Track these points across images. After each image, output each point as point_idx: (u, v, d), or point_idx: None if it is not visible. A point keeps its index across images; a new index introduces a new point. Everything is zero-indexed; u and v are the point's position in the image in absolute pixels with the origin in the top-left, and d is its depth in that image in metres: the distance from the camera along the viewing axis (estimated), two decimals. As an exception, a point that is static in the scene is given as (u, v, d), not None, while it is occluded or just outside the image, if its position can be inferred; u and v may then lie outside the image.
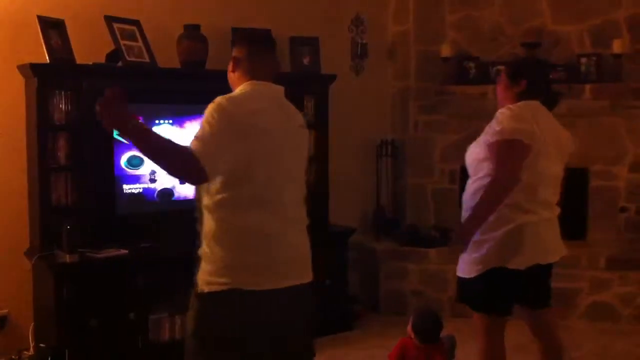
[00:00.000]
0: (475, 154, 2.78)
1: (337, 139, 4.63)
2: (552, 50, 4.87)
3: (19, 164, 3.67)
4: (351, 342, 4.22)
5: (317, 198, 4.50)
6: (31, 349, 3.58)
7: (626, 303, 4.57)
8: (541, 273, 2.81)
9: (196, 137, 2.05)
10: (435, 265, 4.76)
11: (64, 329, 3.39)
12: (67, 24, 3.60)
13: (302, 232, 2.30)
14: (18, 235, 3.68)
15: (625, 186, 4.85)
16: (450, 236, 4.89)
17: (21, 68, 3.56)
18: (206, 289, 2.13)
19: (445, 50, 4.91)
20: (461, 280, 2.82)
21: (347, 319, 4.43)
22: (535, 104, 2.79)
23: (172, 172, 2.13)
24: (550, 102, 2.86)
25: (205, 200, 2.17)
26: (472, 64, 4.94)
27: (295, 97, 4.34)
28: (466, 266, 2.78)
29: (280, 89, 2.28)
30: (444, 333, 3.40)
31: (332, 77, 4.48)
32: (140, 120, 2.14)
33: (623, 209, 4.84)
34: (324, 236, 4.42)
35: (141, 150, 2.10)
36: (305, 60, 4.50)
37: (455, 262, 4.72)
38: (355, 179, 5.02)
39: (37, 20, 3.50)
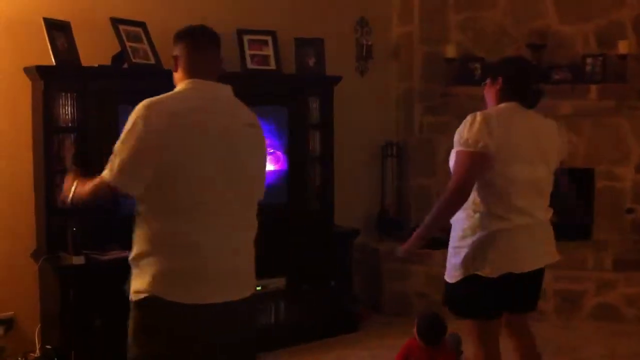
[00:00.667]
0: (451, 159, 2.76)
1: (342, 140, 4.63)
2: (557, 51, 4.86)
3: (24, 166, 3.68)
4: (354, 343, 4.21)
5: (321, 199, 4.52)
6: (37, 350, 3.59)
7: (632, 304, 4.56)
8: (522, 280, 2.70)
9: (111, 161, 2.04)
10: (438, 267, 4.68)
11: (69, 330, 3.40)
12: (73, 26, 3.61)
13: (244, 243, 2.17)
14: (24, 238, 3.68)
15: (631, 187, 4.84)
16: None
17: (27, 70, 3.57)
18: (134, 298, 2.09)
19: (450, 51, 4.90)
20: (445, 285, 2.80)
21: (350, 320, 4.43)
22: (509, 106, 2.71)
23: (94, 203, 2.22)
24: (530, 101, 2.76)
25: (136, 205, 2.10)
26: (477, 65, 4.94)
27: (300, 98, 4.43)
28: (449, 271, 2.75)
29: (223, 87, 2.19)
30: (449, 331, 3.41)
31: (337, 78, 4.48)
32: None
33: (629, 210, 4.83)
34: (328, 237, 4.43)
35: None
36: (310, 62, 4.50)
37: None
38: (360, 180, 5.02)
39: (43, 23, 3.51)
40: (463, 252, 2.67)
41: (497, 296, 2.70)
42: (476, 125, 2.60)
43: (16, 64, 3.59)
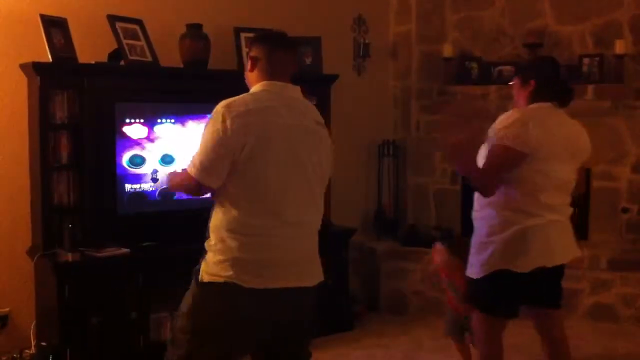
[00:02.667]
0: (481, 156, 2.77)
1: (339, 139, 4.62)
2: (554, 51, 4.86)
3: (21, 163, 3.67)
4: (351, 341, 4.22)
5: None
6: (32, 347, 3.58)
7: (627, 304, 4.57)
8: (549, 275, 2.78)
9: (194, 158, 2.23)
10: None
11: (65, 327, 3.39)
12: (70, 22, 3.60)
13: (308, 236, 2.32)
14: (20, 234, 3.68)
15: (627, 187, 4.85)
16: (452, 235, 4.90)
17: (23, 67, 3.56)
18: (206, 279, 2.22)
19: (447, 51, 4.91)
20: (469, 281, 2.84)
21: (347, 319, 4.43)
22: (544, 106, 2.77)
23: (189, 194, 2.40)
24: (563, 100, 2.83)
25: (217, 193, 2.25)
26: (474, 64, 4.95)
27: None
28: (473, 267, 2.79)
29: (294, 88, 2.34)
30: None
31: (334, 77, 4.48)
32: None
33: (625, 210, 4.83)
34: (325, 236, 4.41)
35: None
36: (307, 60, 4.50)
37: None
38: (357, 179, 5.02)
39: (39, 19, 3.50)
40: (491, 248, 2.70)
41: (523, 292, 2.75)
42: (515, 122, 2.66)
43: (12, 61, 3.58)
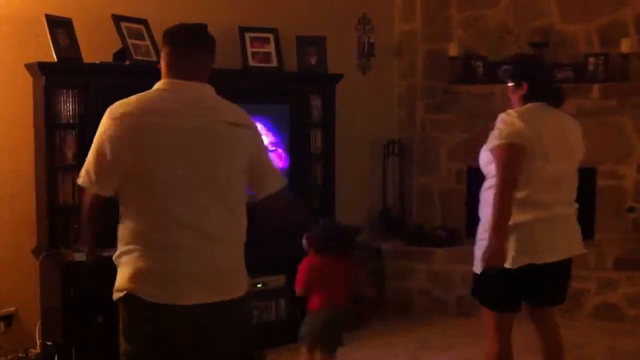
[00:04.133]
0: (481, 159, 2.87)
1: (344, 138, 4.63)
2: (559, 50, 4.85)
3: (26, 163, 3.68)
4: (357, 340, 4.21)
5: (323, 197, 4.52)
6: (38, 346, 3.59)
7: (633, 303, 4.55)
8: (544, 272, 2.79)
9: (85, 165, 2.13)
10: (441, 265, 4.75)
11: (70, 327, 3.40)
12: (75, 22, 3.61)
13: (225, 246, 2.12)
14: (25, 234, 3.69)
15: (633, 186, 4.83)
16: (456, 236, 4.89)
17: (29, 67, 3.57)
18: (114, 297, 2.14)
19: (453, 49, 4.90)
20: (474, 275, 2.90)
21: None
22: (538, 105, 2.83)
23: (91, 218, 2.29)
24: (555, 100, 2.89)
25: (119, 205, 2.13)
26: (479, 63, 4.93)
27: (302, 96, 4.42)
28: (475, 262, 2.85)
29: (200, 87, 2.15)
30: None
31: (339, 76, 4.47)
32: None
33: (631, 209, 4.82)
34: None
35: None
36: (312, 60, 4.50)
37: (460, 261, 4.77)
38: (362, 178, 5.01)
39: (44, 19, 3.50)
40: (485, 245, 2.74)
41: (517, 287, 2.79)
42: (508, 122, 2.72)
43: (18, 60, 3.59)
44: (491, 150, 2.75)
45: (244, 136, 2.17)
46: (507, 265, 2.71)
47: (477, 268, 2.83)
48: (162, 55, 2.18)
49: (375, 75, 5.05)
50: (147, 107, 2.08)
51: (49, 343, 3.46)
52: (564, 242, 2.85)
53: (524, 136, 2.69)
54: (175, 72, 2.14)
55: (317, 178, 4.52)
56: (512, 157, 2.70)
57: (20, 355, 3.52)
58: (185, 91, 2.13)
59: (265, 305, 4.01)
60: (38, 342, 3.62)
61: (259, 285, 3.96)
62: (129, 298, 2.07)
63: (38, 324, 3.67)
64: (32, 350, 3.57)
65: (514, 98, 2.90)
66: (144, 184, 2.04)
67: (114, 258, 2.15)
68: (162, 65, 2.18)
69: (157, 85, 2.15)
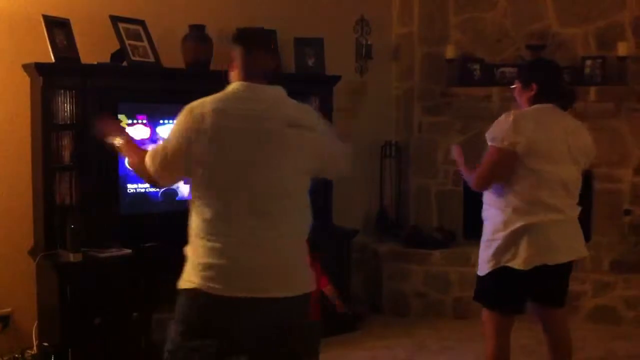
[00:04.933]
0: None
1: (341, 140, 4.62)
2: (556, 53, 4.86)
3: (23, 163, 3.68)
4: (353, 343, 4.21)
5: (320, 199, 4.51)
6: (34, 348, 3.58)
7: (630, 306, 4.56)
8: (552, 274, 2.80)
9: (155, 150, 2.24)
10: (438, 267, 4.75)
11: (67, 328, 3.39)
12: (73, 23, 3.61)
13: (284, 244, 2.18)
14: (22, 234, 3.68)
15: (630, 189, 4.84)
16: (453, 238, 4.90)
17: (26, 67, 3.56)
18: (181, 285, 2.19)
19: (450, 52, 4.90)
20: (477, 278, 2.89)
21: (349, 320, 4.42)
22: (545, 107, 2.83)
23: (141, 178, 2.49)
24: (565, 102, 2.89)
25: (189, 198, 2.24)
26: (476, 66, 4.94)
27: (299, 97, 4.40)
28: (480, 264, 2.85)
29: (268, 89, 2.23)
30: None
31: (337, 78, 4.48)
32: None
33: (627, 212, 4.83)
34: (328, 237, 4.42)
35: (129, 158, 2.46)
36: (310, 61, 4.50)
37: (457, 263, 4.77)
38: (359, 180, 5.01)
39: (42, 20, 3.50)
40: (495, 245, 2.77)
41: (525, 289, 2.81)
42: (507, 123, 2.73)
43: (15, 61, 3.58)
44: (488, 147, 2.80)
45: (306, 137, 2.23)
46: (520, 266, 2.72)
47: (482, 270, 2.82)
48: (233, 56, 2.28)
49: (373, 77, 5.06)
50: (223, 108, 2.15)
51: (45, 344, 3.46)
52: (573, 244, 2.88)
53: (522, 142, 2.70)
54: (246, 74, 2.24)
55: (314, 179, 4.50)
56: (499, 162, 2.74)
57: (16, 356, 3.51)
58: (253, 93, 2.21)
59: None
60: (35, 343, 3.61)
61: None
62: (194, 291, 2.13)
63: (35, 325, 3.66)
64: (29, 351, 3.56)
65: (522, 99, 2.90)
66: (212, 180, 2.12)
67: (184, 250, 2.23)
68: (235, 67, 2.27)
69: (232, 87, 2.24)
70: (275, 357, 2.22)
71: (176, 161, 2.16)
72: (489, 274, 2.79)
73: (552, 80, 2.90)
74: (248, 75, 2.23)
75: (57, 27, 3.56)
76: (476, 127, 4.94)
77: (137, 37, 3.81)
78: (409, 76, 5.15)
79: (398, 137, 5.16)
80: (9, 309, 3.68)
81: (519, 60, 4.86)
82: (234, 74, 2.29)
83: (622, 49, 4.65)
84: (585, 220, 4.88)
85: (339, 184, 4.60)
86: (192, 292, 2.14)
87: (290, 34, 4.43)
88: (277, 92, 2.26)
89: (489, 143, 2.77)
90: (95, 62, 3.66)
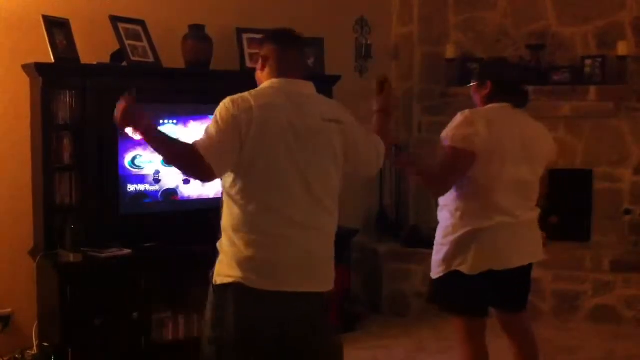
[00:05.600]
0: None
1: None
2: (556, 52, 4.87)
3: (23, 163, 3.68)
4: (353, 343, 4.20)
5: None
6: (35, 348, 3.58)
7: (630, 306, 4.56)
8: (505, 278, 2.72)
9: (202, 136, 2.14)
10: (438, 267, 4.75)
11: (67, 328, 3.39)
12: (72, 23, 3.61)
13: (317, 239, 2.24)
14: (22, 235, 3.68)
15: (630, 188, 4.84)
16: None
17: (26, 67, 3.56)
18: (218, 281, 2.18)
19: (450, 52, 4.91)
20: (430, 281, 2.86)
21: (349, 320, 4.43)
22: (497, 106, 2.75)
23: (182, 170, 2.28)
24: (519, 101, 2.79)
25: (224, 193, 2.23)
26: (476, 66, 4.92)
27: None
28: (432, 267, 2.80)
29: (304, 84, 2.29)
30: None
31: (337, 78, 4.48)
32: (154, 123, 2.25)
33: (627, 212, 4.83)
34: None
35: (155, 149, 2.23)
36: (310, 61, 4.49)
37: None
38: (359, 180, 5.01)
39: (42, 20, 3.50)
40: (445, 249, 2.72)
41: (479, 293, 2.73)
42: (463, 122, 2.67)
43: (15, 61, 3.58)
44: (441, 146, 2.71)
45: (341, 132, 2.26)
46: (466, 271, 2.66)
47: (435, 273, 2.77)
48: (267, 56, 2.30)
49: (373, 77, 5.04)
50: (265, 103, 2.17)
51: (45, 344, 3.46)
52: (525, 248, 2.78)
53: (477, 141, 2.62)
54: (281, 71, 2.27)
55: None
56: (455, 162, 2.65)
57: (17, 356, 3.52)
58: (290, 88, 2.25)
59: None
60: (35, 343, 3.60)
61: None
62: (234, 286, 2.13)
63: (35, 325, 3.66)
64: (29, 352, 3.56)
65: (477, 97, 2.84)
66: (252, 174, 2.13)
67: (218, 244, 2.22)
68: (268, 64, 2.29)
69: (270, 84, 2.26)
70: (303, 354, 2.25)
71: (229, 151, 2.11)
72: (440, 277, 2.74)
73: (506, 78, 2.83)
74: (284, 72, 2.26)
75: (57, 27, 3.56)
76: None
77: (137, 37, 3.81)
78: (409, 76, 5.15)
79: (398, 138, 5.15)
80: (9, 309, 3.68)
81: (519, 60, 4.87)
82: (264, 74, 2.31)
83: (622, 48, 4.66)
84: (585, 220, 4.94)
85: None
86: (231, 287, 2.14)
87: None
88: (312, 87, 2.31)
89: (445, 143, 2.68)
90: (95, 62, 3.66)
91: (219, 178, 2.17)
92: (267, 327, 2.16)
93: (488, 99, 2.79)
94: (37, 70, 3.46)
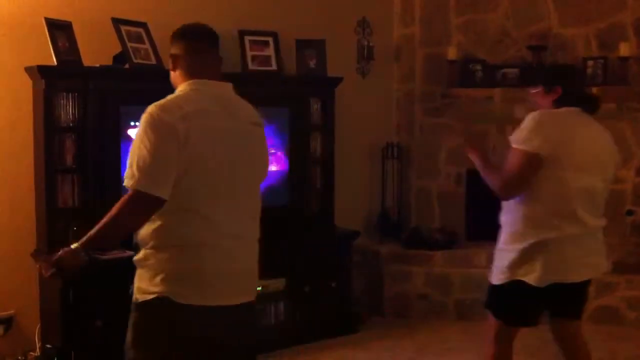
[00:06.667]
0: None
1: (343, 142, 4.63)
2: (558, 54, 4.86)
3: (25, 166, 3.68)
4: (355, 344, 4.21)
5: (322, 200, 4.52)
6: (37, 349, 3.59)
7: (632, 307, 4.55)
8: (568, 289, 2.69)
9: (138, 168, 1.95)
10: (439, 268, 4.75)
11: (69, 330, 3.40)
12: (75, 26, 3.61)
13: (246, 248, 2.14)
14: (24, 237, 3.68)
15: (632, 189, 4.84)
16: (455, 240, 4.89)
17: (28, 70, 3.57)
18: (140, 298, 2.06)
19: (451, 53, 4.90)
20: (489, 286, 2.78)
21: (351, 322, 4.43)
22: (571, 111, 2.68)
23: (136, 226, 2.04)
24: (590, 107, 2.74)
25: None
26: (478, 67, 4.94)
27: (301, 99, 4.43)
28: (494, 273, 2.74)
29: (224, 85, 2.16)
30: None
31: (338, 80, 4.48)
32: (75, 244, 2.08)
33: (629, 213, 4.82)
34: (329, 238, 4.43)
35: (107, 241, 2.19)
36: (312, 63, 4.50)
37: (459, 265, 4.76)
38: (361, 182, 5.02)
39: (44, 22, 3.51)
40: (510, 256, 2.65)
41: (539, 304, 2.70)
42: (534, 125, 2.58)
43: (17, 64, 3.59)
44: (510, 150, 2.62)
45: (261, 135, 2.19)
46: (533, 282, 2.60)
47: (496, 279, 2.71)
48: (178, 54, 2.15)
49: (375, 78, 5.06)
50: (198, 109, 2.04)
51: (48, 346, 3.46)
52: (592, 260, 2.73)
53: (549, 144, 2.55)
54: (196, 71, 2.13)
55: (316, 181, 4.52)
56: (527, 166, 2.57)
57: (19, 358, 3.52)
58: (215, 91, 2.13)
59: (264, 308, 4.00)
60: (37, 345, 3.61)
61: (258, 289, 3.95)
62: (157, 301, 2.01)
63: (37, 327, 3.66)
64: (32, 354, 3.57)
65: (545, 103, 2.73)
66: (181, 184, 1.98)
67: (135, 260, 2.09)
68: (179, 64, 2.15)
69: (190, 86, 2.11)
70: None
71: (173, 165, 1.97)
72: (501, 285, 2.68)
73: (577, 84, 2.80)
74: (199, 73, 2.12)
75: (59, 29, 3.56)
76: (478, 128, 4.94)
77: (139, 40, 3.81)
78: (411, 77, 5.15)
79: (399, 139, 5.16)
80: (11, 311, 3.68)
81: (521, 61, 4.87)
82: (176, 74, 2.16)
83: (624, 49, 4.66)
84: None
85: (341, 185, 4.61)
86: (153, 303, 2.01)
87: (291, 35, 4.43)
88: (232, 89, 2.18)
89: (514, 145, 2.60)
90: (97, 65, 3.66)
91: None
92: (195, 343, 2.04)
93: (558, 105, 2.70)
94: (40, 72, 3.47)
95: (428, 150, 5.11)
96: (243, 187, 2.10)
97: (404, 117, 5.21)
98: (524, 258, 2.62)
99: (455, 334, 4.42)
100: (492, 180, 2.70)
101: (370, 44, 4.98)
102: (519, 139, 2.59)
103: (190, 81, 2.12)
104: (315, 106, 4.48)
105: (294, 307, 4.15)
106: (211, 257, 2.03)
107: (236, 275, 2.09)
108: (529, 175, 2.57)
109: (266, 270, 3.92)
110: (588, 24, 4.85)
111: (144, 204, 1.96)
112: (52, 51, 3.49)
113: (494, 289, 2.74)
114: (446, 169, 5.09)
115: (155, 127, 1.97)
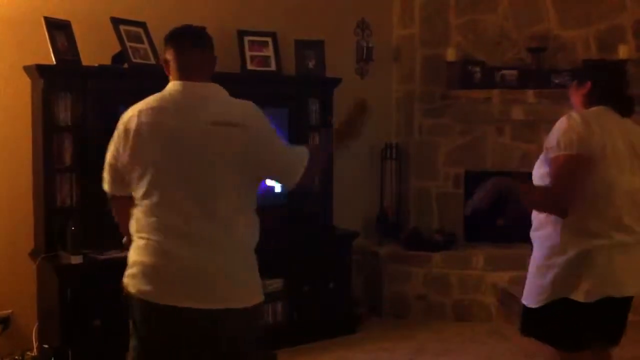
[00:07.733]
0: (536, 170, 2.52)
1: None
2: (557, 55, 4.86)
3: (24, 165, 3.68)
4: (354, 345, 4.21)
5: (321, 201, 4.52)
6: (35, 349, 3.58)
7: (633, 309, 4.53)
8: (616, 305, 2.47)
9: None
10: (438, 269, 4.75)
11: (67, 330, 3.39)
12: (74, 25, 3.61)
13: (210, 252, 2.05)
14: (22, 236, 3.69)
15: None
16: (453, 240, 4.89)
17: (27, 69, 3.57)
18: (124, 290, 2.17)
19: (451, 54, 4.90)
20: (525, 309, 2.51)
21: (350, 322, 4.43)
22: (603, 109, 2.49)
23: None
24: (624, 108, 2.54)
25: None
26: (477, 68, 4.94)
27: (300, 99, 4.43)
28: (530, 294, 2.49)
29: (205, 87, 2.16)
30: None
31: (337, 80, 4.48)
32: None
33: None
34: (328, 239, 4.43)
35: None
36: (311, 64, 4.50)
37: (457, 266, 4.76)
38: (359, 182, 5.02)
39: (43, 21, 3.51)
40: (551, 273, 2.40)
41: (588, 324, 2.43)
42: (571, 126, 2.38)
43: (16, 63, 3.59)
44: (549, 161, 2.40)
45: (237, 137, 2.07)
46: (582, 298, 2.36)
47: (533, 302, 2.46)
48: (167, 59, 2.21)
49: (374, 79, 5.06)
50: (148, 108, 2.15)
51: (45, 346, 3.46)
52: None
53: (591, 143, 2.35)
54: (182, 74, 2.17)
55: (314, 181, 4.51)
56: (575, 171, 2.34)
57: (16, 357, 3.52)
58: (190, 91, 2.15)
59: (263, 309, 3.99)
60: (35, 344, 3.61)
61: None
62: (129, 295, 2.14)
63: (35, 327, 3.66)
64: (29, 353, 3.56)
65: (575, 98, 2.59)
66: (136, 180, 2.13)
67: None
68: (170, 67, 2.21)
69: (167, 87, 2.21)
70: None
71: (114, 168, 2.21)
72: (543, 307, 2.42)
73: (610, 81, 2.57)
74: (185, 75, 2.16)
75: (58, 29, 3.56)
76: (477, 129, 4.95)
77: (138, 39, 3.81)
78: (410, 78, 5.15)
79: (398, 140, 5.16)
80: (9, 311, 3.68)
81: (520, 63, 4.87)
82: (170, 77, 2.22)
83: (623, 51, 4.66)
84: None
85: (340, 186, 4.61)
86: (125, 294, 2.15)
87: (290, 36, 4.43)
88: (214, 89, 2.17)
89: (557, 153, 2.35)
90: (96, 64, 3.66)
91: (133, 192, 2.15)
92: (157, 340, 2.10)
93: (588, 102, 2.54)
94: (38, 71, 3.47)
95: (427, 151, 5.11)
96: (189, 186, 2.05)
97: (403, 118, 5.21)
98: (568, 272, 2.38)
99: (453, 335, 4.42)
100: (544, 201, 2.42)
101: (370, 45, 4.98)
102: (557, 144, 2.37)
103: (171, 82, 2.19)
104: (314, 107, 4.48)
105: (293, 307, 4.15)
106: (145, 252, 2.09)
107: (171, 274, 2.04)
108: (581, 179, 2.35)
109: (265, 270, 3.96)
110: (587, 26, 4.85)
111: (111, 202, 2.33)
112: (51, 50, 3.49)
113: (532, 312, 2.47)
114: (445, 170, 5.09)
115: (117, 128, 2.21)
